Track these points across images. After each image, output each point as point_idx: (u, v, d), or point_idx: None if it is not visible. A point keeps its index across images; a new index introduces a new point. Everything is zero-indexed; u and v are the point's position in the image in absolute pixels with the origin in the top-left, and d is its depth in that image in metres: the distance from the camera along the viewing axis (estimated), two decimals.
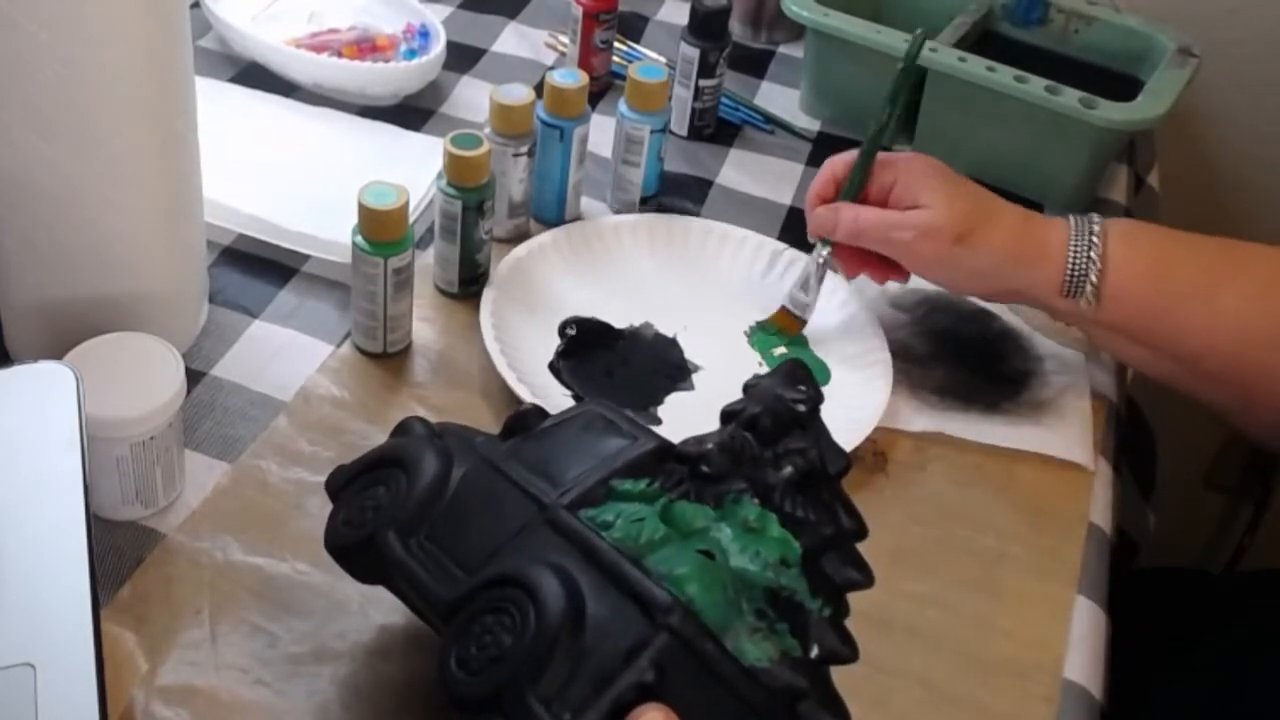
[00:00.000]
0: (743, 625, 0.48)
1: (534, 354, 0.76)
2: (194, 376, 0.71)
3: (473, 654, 0.47)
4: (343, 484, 0.57)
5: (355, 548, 0.55)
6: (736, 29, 1.10)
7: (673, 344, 0.79)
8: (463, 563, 0.51)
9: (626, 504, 0.51)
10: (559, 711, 0.45)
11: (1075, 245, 0.73)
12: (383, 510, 0.54)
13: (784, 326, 0.81)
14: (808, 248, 0.86)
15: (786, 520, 0.50)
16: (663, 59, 1.02)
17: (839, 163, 0.79)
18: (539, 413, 0.58)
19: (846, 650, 0.49)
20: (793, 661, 0.48)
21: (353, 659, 0.60)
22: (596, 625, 0.46)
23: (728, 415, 0.53)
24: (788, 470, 0.51)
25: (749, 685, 0.46)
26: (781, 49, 1.11)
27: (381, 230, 0.71)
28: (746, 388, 0.54)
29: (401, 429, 0.59)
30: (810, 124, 1.02)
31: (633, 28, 1.10)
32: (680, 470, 0.52)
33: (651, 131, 0.86)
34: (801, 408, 0.52)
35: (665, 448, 0.54)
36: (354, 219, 0.71)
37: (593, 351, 0.78)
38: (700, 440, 0.52)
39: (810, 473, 0.51)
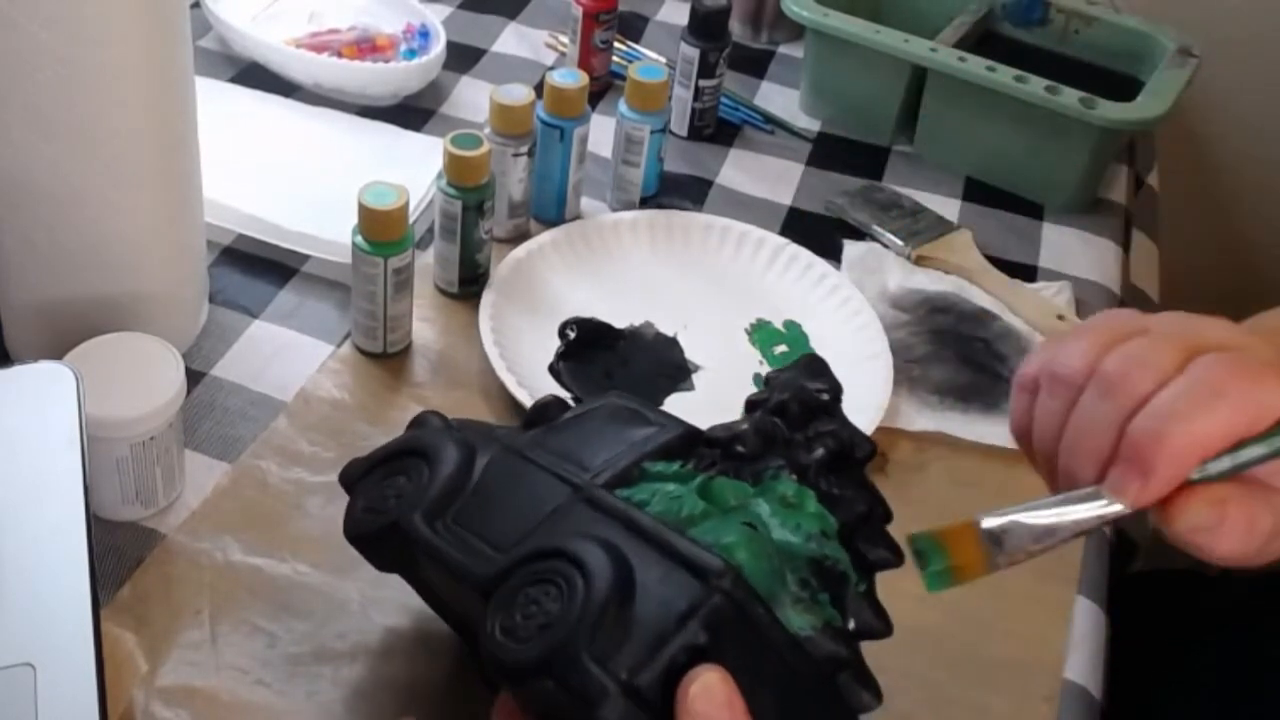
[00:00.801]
0: (787, 595, 0.47)
1: (534, 356, 0.76)
2: (194, 376, 0.71)
3: (518, 622, 0.46)
4: (360, 475, 0.57)
5: (377, 534, 0.54)
6: (736, 29, 1.10)
7: (673, 343, 0.79)
8: (495, 543, 0.50)
9: (661, 484, 0.50)
10: (615, 670, 0.43)
11: None
12: (405, 498, 0.53)
13: (961, 564, 0.47)
14: (810, 245, 0.86)
15: (822, 498, 0.50)
16: (663, 59, 1.02)
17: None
18: (560, 404, 0.57)
19: (881, 624, 0.49)
20: (834, 632, 0.47)
21: (353, 659, 0.60)
22: (646, 593, 0.45)
23: (753, 404, 0.53)
24: (820, 451, 0.51)
25: (796, 653, 0.46)
26: (781, 49, 1.11)
27: (381, 230, 0.71)
28: (768, 379, 0.54)
29: (418, 422, 0.59)
30: (810, 124, 1.02)
31: (633, 28, 1.10)
32: (712, 454, 0.52)
33: (651, 131, 0.86)
34: (825, 396, 0.52)
35: (695, 433, 0.53)
36: (354, 219, 0.71)
37: (593, 353, 0.78)
38: (728, 427, 0.52)
39: (841, 453, 0.51)
